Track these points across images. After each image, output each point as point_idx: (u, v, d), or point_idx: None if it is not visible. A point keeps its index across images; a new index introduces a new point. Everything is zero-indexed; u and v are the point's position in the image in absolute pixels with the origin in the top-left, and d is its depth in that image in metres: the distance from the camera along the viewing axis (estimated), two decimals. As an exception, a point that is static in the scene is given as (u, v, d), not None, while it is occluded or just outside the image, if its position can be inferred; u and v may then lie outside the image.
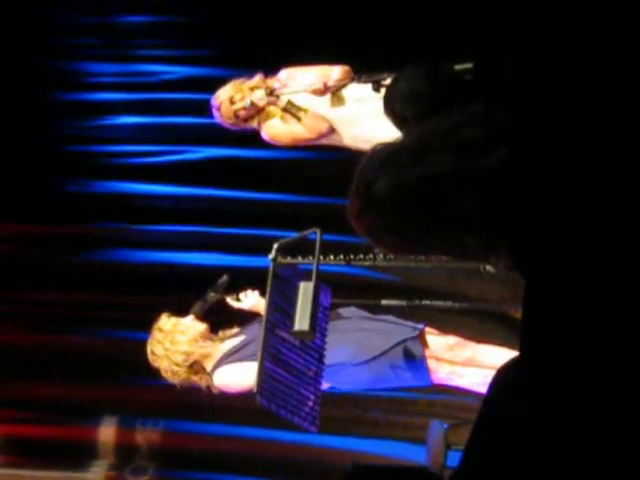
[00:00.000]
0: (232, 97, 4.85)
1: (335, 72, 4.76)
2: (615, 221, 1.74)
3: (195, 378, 4.61)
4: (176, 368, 4.58)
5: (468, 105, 1.84)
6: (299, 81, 4.82)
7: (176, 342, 4.58)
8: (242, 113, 4.85)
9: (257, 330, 4.49)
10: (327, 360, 4.24)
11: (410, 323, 4.60)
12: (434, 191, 1.76)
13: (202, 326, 4.65)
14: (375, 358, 4.46)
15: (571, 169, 1.77)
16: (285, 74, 4.88)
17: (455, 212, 1.76)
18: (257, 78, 4.89)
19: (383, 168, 1.81)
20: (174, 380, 4.62)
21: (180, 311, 4.69)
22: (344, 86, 4.72)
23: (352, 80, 4.69)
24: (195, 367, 4.59)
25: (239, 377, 4.51)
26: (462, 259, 1.85)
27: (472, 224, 1.77)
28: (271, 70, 4.94)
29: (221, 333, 4.72)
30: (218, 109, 4.90)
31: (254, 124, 4.93)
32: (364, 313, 4.67)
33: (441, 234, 1.80)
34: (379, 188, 1.79)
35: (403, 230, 1.82)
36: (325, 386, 4.30)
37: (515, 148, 1.76)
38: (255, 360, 4.26)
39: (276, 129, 4.91)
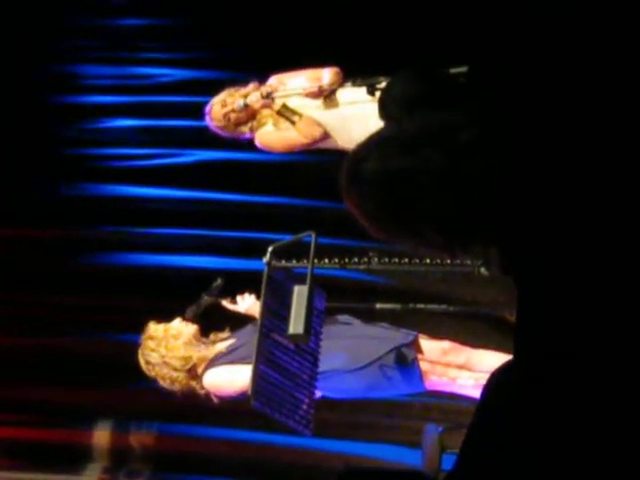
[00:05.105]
0: (224, 100, 4.85)
1: (325, 75, 4.77)
2: (606, 226, 1.74)
3: (193, 383, 4.59)
4: (175, 374, 4.56)
5: (462, 108, 1.85)
6: (290, 86, 4.82)
7: (171, 348, 4.56)
8: (232, 116, 4.84)
9: (248, 334, 4.49)
10: (320, 367, 4.23)
11: (404, 329, 4.60)
12: (411, 184, 1.77)
13: (193, 327, 4.64)
14: (368, 365, 4.45)
15: (565, 176, 1.77)
16: (275, 80, 4.87)
17: (425, 207, 1.77)
18: (251, 86, 4.88)
19: (376, 150, 1.83)
20: (174, 388, 4.58)
21: (174, 314, 4.69)
22: (338, 87, 4.72)
23: (345, 81, 4.69)
24: (192, 372, 4.58)
25: (229, 379, 4.49)
26: (426, 249, 1.87)
27: (441, 221, 1.78)
28: (266, 75, 4.94)
29: (213, 336, 4.71)
30: (209, 113, 4.90)
31: (245, 130, 4.91)
32: (357, 320, 4.67)
33: (406, 225, 1.81)
34: (365, 168, 1.81)
35: (373, 214, 1.83)
36: (317, 395, 4.28)
37: (510, 153, 1.76)
38: (246, 363, 4.26)
39: (269, 136, 4.90)
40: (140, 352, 4.62)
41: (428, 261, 4.56)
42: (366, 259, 4.58)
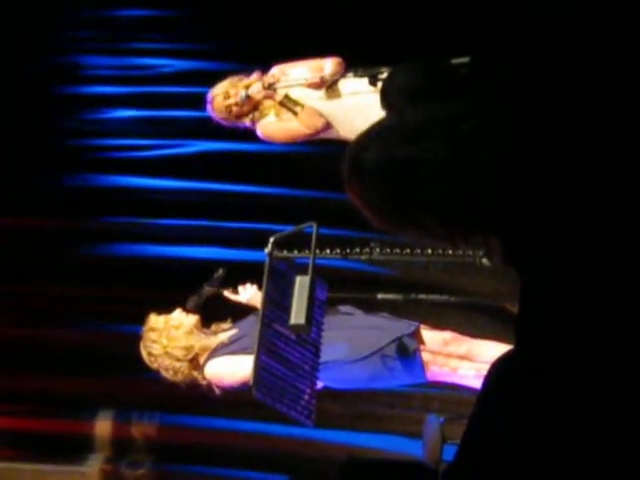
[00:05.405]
0: (227, 92, 4.84)
1: (328, 65, 4.76)
2: (610, 217, 1.74)
3: (195, 374, 4.59)
4: (178, 364, 4.55)
5: (464, 99, 1.84)
6: (292, 76, 4.81)
7: (173, 338, 4.56)
8: (235, 109, 4.84)
9: (250, 324, 4.49)
10: (322, 357, 4.23)
11: (405, 320, 4.60)
12: (413, 174, 1.76)
13: (193, 318, 4.64)
14: (370, 356, 4.45)
15: (567, 167, 1.77)
16: (277, 70, 4.87)
17: (427, 198, 1.77)
18: (254, 76, 4.87)
19: (378, 139, 1.82)
20: (176, 379, 4.58)
21: (176, 305, 4.69)
22: (340, 77, 4.71)
23: (347, 72, 4.69)
24: (194, 362, 4.58)
25: (230, 369, 4.50)
26: (428, 239, 1.86)
27: (443, 212, 1.77)
28: (268, 65, 4.93)
29: (214, 327, 4.71)
30: (211, 103, 4.89)
31: (247, 121, 4.91)
32: (359, 310, 4.67)
33: (408, 215, 1.80)
34: (367, 157, 1.80)
35: (374, 204, 1.82)
36: (319, 386, 4.28)
37: (513, 143, 1.76)
38: (247, 354, 4.26)
39: (272, 126, 4.89)
40: (142, 344, 4.62)
41: (430, 252, 4.55)
42: (368, 250, 4.58)
